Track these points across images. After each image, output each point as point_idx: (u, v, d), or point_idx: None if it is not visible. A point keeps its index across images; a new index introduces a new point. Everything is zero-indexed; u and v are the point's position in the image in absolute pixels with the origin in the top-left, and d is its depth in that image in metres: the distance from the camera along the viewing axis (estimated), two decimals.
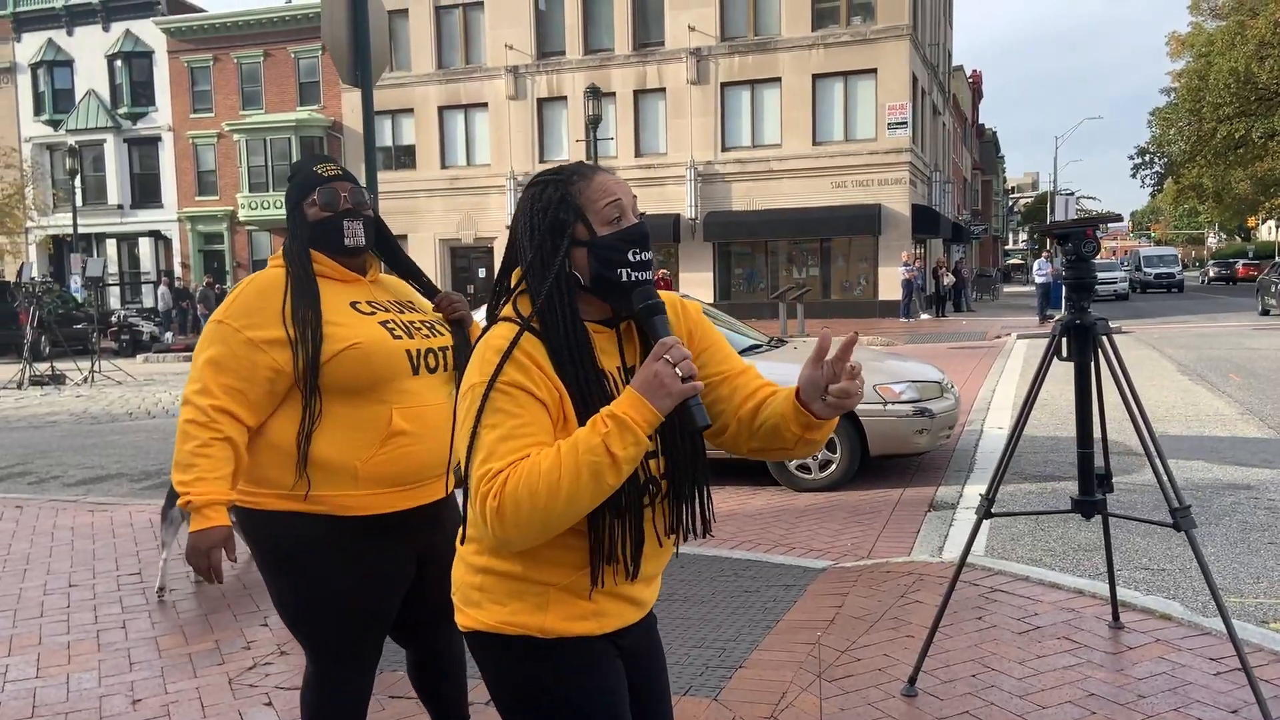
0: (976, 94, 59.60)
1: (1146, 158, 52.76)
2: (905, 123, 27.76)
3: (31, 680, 3.86)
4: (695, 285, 29.37)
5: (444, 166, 32.04)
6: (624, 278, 1.65)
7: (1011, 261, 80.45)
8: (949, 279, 29.27)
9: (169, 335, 26.23)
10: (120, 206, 35.88)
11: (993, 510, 3.42)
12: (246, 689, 3.70)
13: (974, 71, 57.86)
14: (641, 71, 30.16)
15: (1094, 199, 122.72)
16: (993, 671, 3.54)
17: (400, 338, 2.41)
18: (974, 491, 6.78)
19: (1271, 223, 70.54)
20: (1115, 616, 3.89)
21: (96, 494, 7.81)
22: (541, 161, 31.27)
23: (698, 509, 1.71)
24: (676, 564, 5.09)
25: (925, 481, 7.16)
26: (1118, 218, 3.57)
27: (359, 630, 2.42)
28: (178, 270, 35.20)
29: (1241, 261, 53.81)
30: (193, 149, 35.18)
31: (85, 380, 17.23)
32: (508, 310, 1.69)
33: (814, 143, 28.63)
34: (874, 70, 27.96)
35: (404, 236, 32.28)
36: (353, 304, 2.42)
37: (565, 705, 1.65)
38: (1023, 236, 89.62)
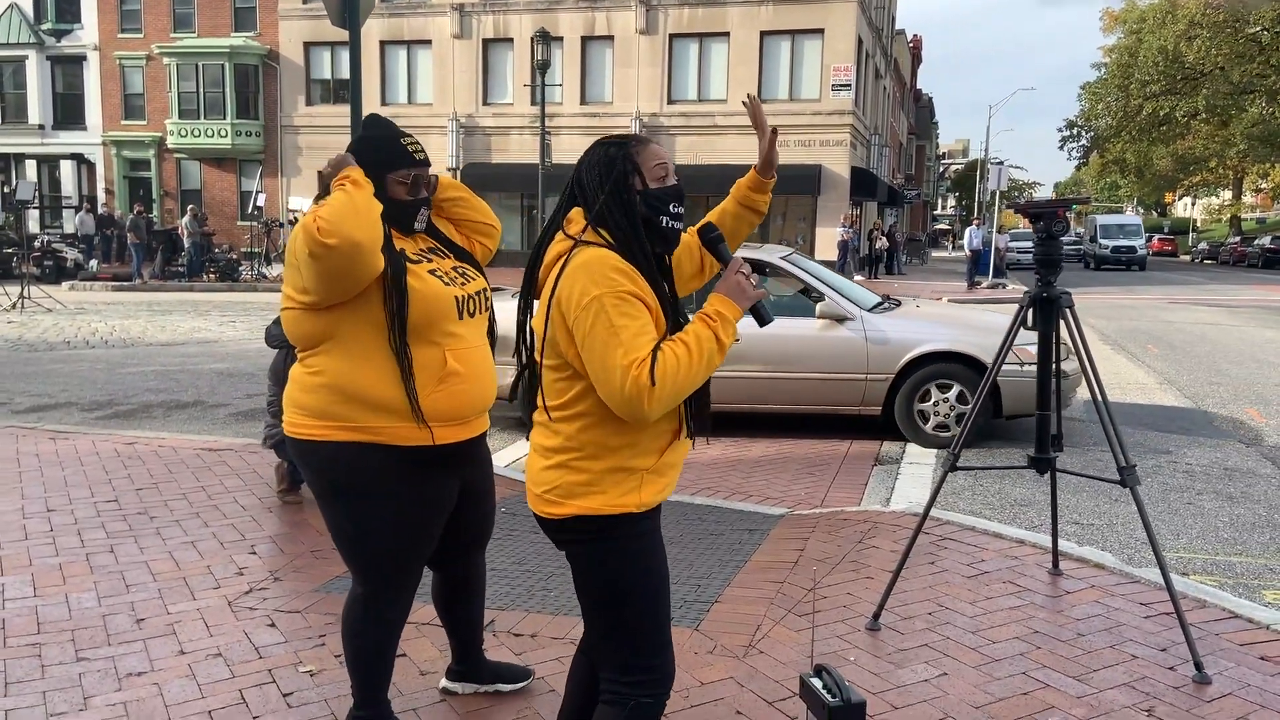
0: (916, 59, 60.28)
1: (1074, 130, 54.21)
2: (849, 85, 28.09)
3: (31, 599, 3.97)
4: None
5: (384, 103, 31.41)
6: (665, 224, 2.14)
7: (939, 227, 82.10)
8: (882, 242, 29.90)
9: (93, 263, 25.48)
10: (41, 127, 34.42)
11: (957, 465, 3.74)
12: (247, 611, 3.86)
13: (915, 36, 58.47)
14: (590, 18, 29.88)
15: (1021, 169, 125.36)
16: (947, 610, 3.89)
17: (449, 284, 2.61)
18: (916, 447, 7.18)
19: (1187, 199, 73.18)
20: (1055, 564, 4.28)
21: (49, 422, 7.77)
22: (485, 104, 30.90)
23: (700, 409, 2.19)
24: None
25: (869, 437, 7.54)
26: (1085, 200, 3.87)
27: (406, 553, 2.63)
28: (101, 196, 34.00)
29: (1157, 236, 55.80)
30: (119, 70, 33.82)
31: (14, 306, 16.75)
32: (591, 236, 2.08)
33: (759, 100, 28.79)
34: (821, 30, 28.17)
35: None
36: (401, 252, 2.61)
37: (646, 556, 2.13)
38: (951, 203, 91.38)
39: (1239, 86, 42.47)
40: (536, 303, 2.15)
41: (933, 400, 7.20)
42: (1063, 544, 4.61)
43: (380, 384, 2.52)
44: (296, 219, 28.31)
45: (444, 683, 3.21)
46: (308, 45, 32.12)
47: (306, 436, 2.58)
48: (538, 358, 2.14)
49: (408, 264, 2.57)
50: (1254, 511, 5.65)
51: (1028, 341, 7.22)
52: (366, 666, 2.74)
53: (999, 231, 33.80)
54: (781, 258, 7.82)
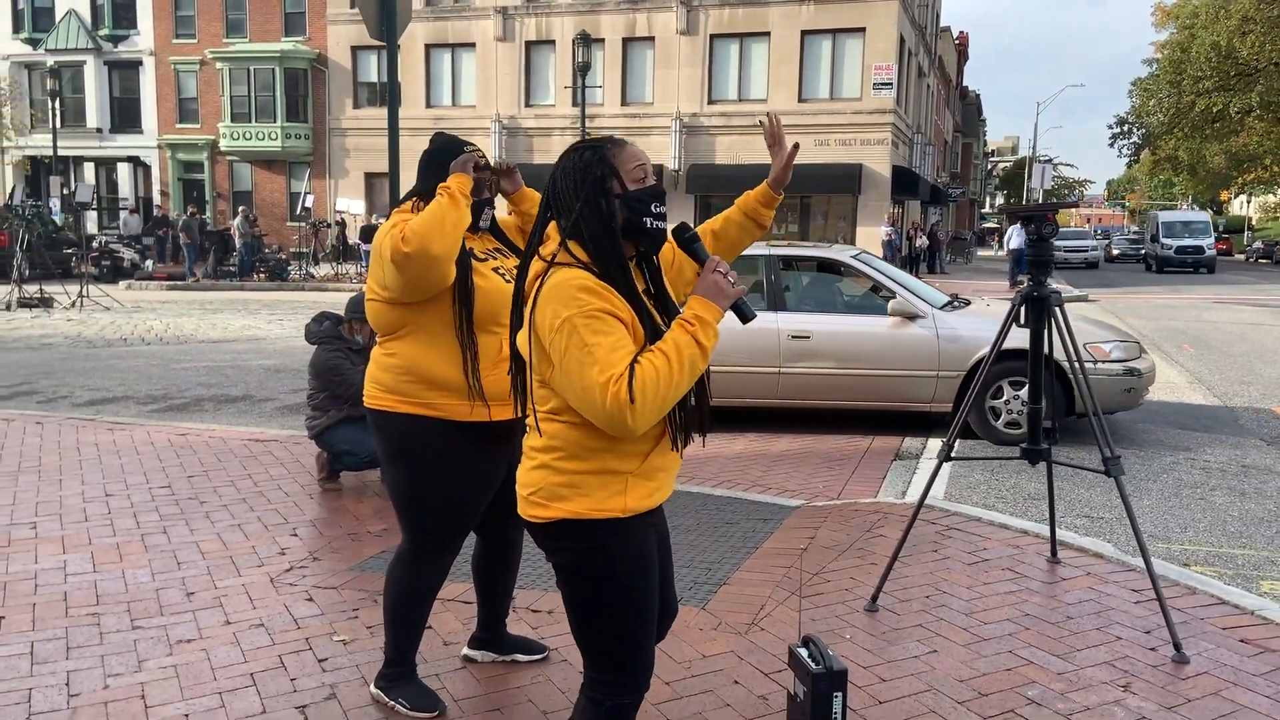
0: (962, 56, 59.73)
1: (1125, 127, 53.34)
2: (890, 83, 28.05)
3: (90, 574, 4.31)
4: None
5: (429, 105, 31.97)
6: (648, 225, 2.13)
7: (987, 225, 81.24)
8: (921, 240, 29.80)
9: (149, 263, 26.28)
10: (99, 130, 35.50)
11: (952, 455, 3.92)
12: (288, 587, 4.17)
13: (960, 33, 57.94)
14: (631, 19, 30.16)
15: (1072, 166, 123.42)
16: (944, 594, 4.08)
17: (509, 281, 2.98)
18: (937, 443, 7.33)
19: (1243, 197, 71.68)
20: (1054, 553, 4.44)
21: (106, 414, 8.19)
22: (528, 105, 31.31)
23: (697, 409, 2.18)
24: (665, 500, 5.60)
25: (892, 433, 7.70)
26: (1073, 204, 4.04)
27: (453, 516, 3.00)
28: (156, 198, 34.99)
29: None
30: (174, 75, 34.78)
31: (74, 305, 17.42)
32: (563, 256, 2.09)
33: (799, 99, 28.87)
34: (862, 29, 28.16)
35: (385, 175, 32.29)
36: (469, 251, 2.97)
37: (631, 569, 2.13)
38: (1000, 201, 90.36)
39: None
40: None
41: (1005, 397, 7.29)
42: (1064, 534, 4.77)
43: (443, 367, 2.89)
44: (343, 220, 28.98)
45: (466, 650, 3.48)
46: (355, 49, 32.77)
47: (379, 407, 2.98)
48: (528, 372, 2.15)
49: (474, 262, 2.94)
50: (1264, 507, 5.74)
51: (1102, 339, 7.33)
52: (403, 621, 3.07)
53: None
54: (853, 257, 8.01)
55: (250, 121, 33.39)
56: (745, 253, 8.28)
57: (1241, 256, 52.62)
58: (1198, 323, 16.56)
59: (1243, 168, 51.43)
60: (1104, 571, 4.31)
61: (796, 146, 2.60)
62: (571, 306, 1.97)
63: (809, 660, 2.94)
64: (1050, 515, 4.41)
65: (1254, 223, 71.57)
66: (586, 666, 2.23)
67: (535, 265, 2.12)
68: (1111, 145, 57.18)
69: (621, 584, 2.13)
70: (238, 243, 24.96)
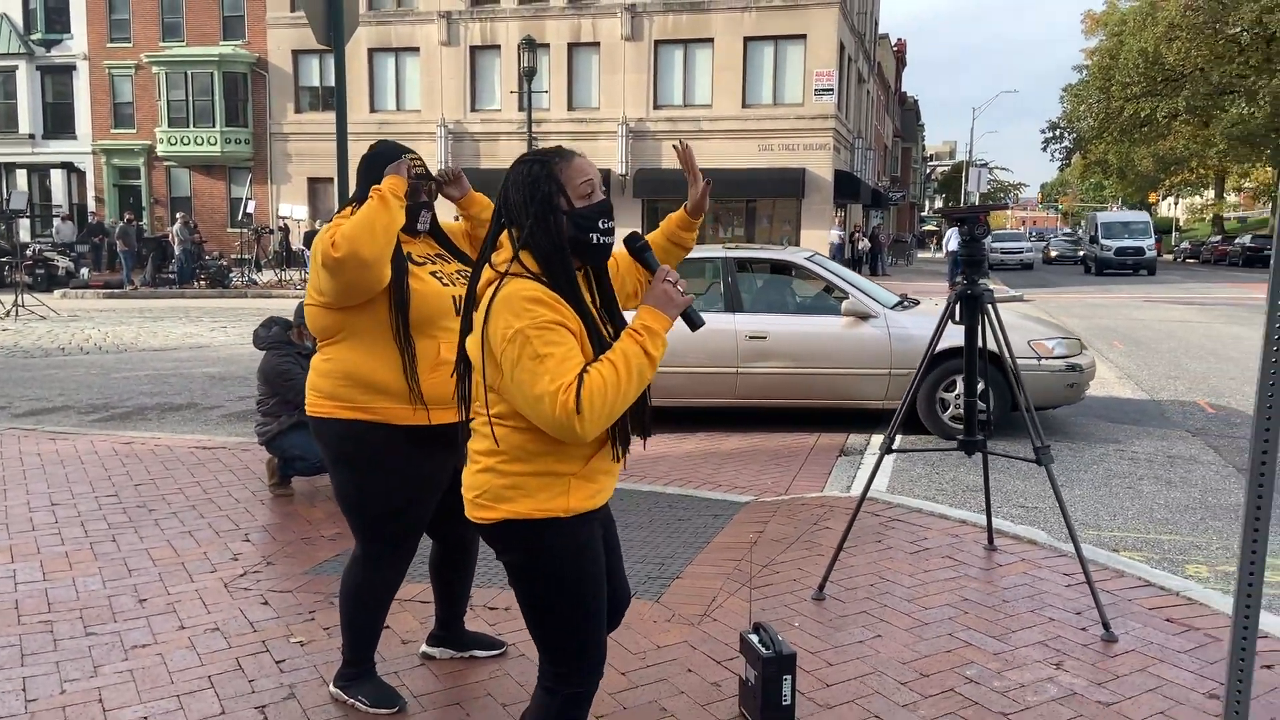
0: (900, 62, 60.81)
1: (1057, 132, 54.75)
2: (831, 89, 28.49)
3: (40, 582, 4.28)
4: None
5: (373, 110, 31.73)
6: (595, 241, 2.18)
7: (927, 228, 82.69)
8: (864, 243, 30.29)
9: (85, 271, 25.72)
10: (31, 136, 34.65)
11: (893, 448, 4.08)
12: (242, 591, 4.18)
13: (899, 40, 59.01)
14: (576, 24, 30.24)
15: (1007, 170, 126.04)
16: (887, 582, 4.23)
17: (448, 285, 3.02)
18: (880, 439, 7.52)
19: (1170, 199, 73.85)
20: (990, 540, 4.62)
21: (47, 424, 8.06)
22: (474, 110, 31.23)
23: (639, 415, 2.27)
24: (618, 497, 5.69)
25: (838, 430, 7.88)
26: (1004, 206, 4.22)
27: (401, 520, 3.02)
28: (91, 204, 34.22)
29: None
30: (109, 79, 34.08)
31: (9, 314, 17.01)
32: (515, 267, 2.14)
33: (743, 105, 29.19)
34: (804, 36, 28.57)
35: (330, 179, 31.99)
36: (408, 255, 3.02)
37: (578, 565, 2.19)
38: (939, 204, 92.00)
39: (1218, 87, 43.01)
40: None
41: (955, 392, 7.51)
42: (1000, 523, 4.96)
43: (381, 371, 2.92)
44: (286, 225, 28.63)
45: (424, 648, 3.54)
46: (296, 53, 32.41)
47: (320, 414, 3.00)
48: (477, 377, 2.17)
49: (412, 265, 2.98)
50: (1189, 495, 6.01)
51: (1045, 337, 7.60)
52: (359, 624, 3.09)
53: None
54: (806, 258, 8.20)
55: (188, 126, 32.84)
56: (703, 255, 8.46)
57: (1170, 257, 54.21)
58: (1128, 321, 17.10)
59: (1170, 170, 53.02)
60: (1037, 557, 4.50)
61: (709, 183, 2.73)
62: (524, 318, 2.00)
63: (759, 645, 3.06)
64: (986, 505, 4.58)
65: (1181, 224, 73.83)
66: (542, 659, 2.30)
67: (487, 273, 2.16)
68: (1044, 149, 58.73)
69: (569, 580, 2.19)
70: (177, 249, 24.54)
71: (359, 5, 6.29)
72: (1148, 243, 35.32)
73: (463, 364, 2.24)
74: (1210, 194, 65.42)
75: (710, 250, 8.49)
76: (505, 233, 2.20)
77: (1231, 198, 67.42)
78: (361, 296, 2.86)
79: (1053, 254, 48.95)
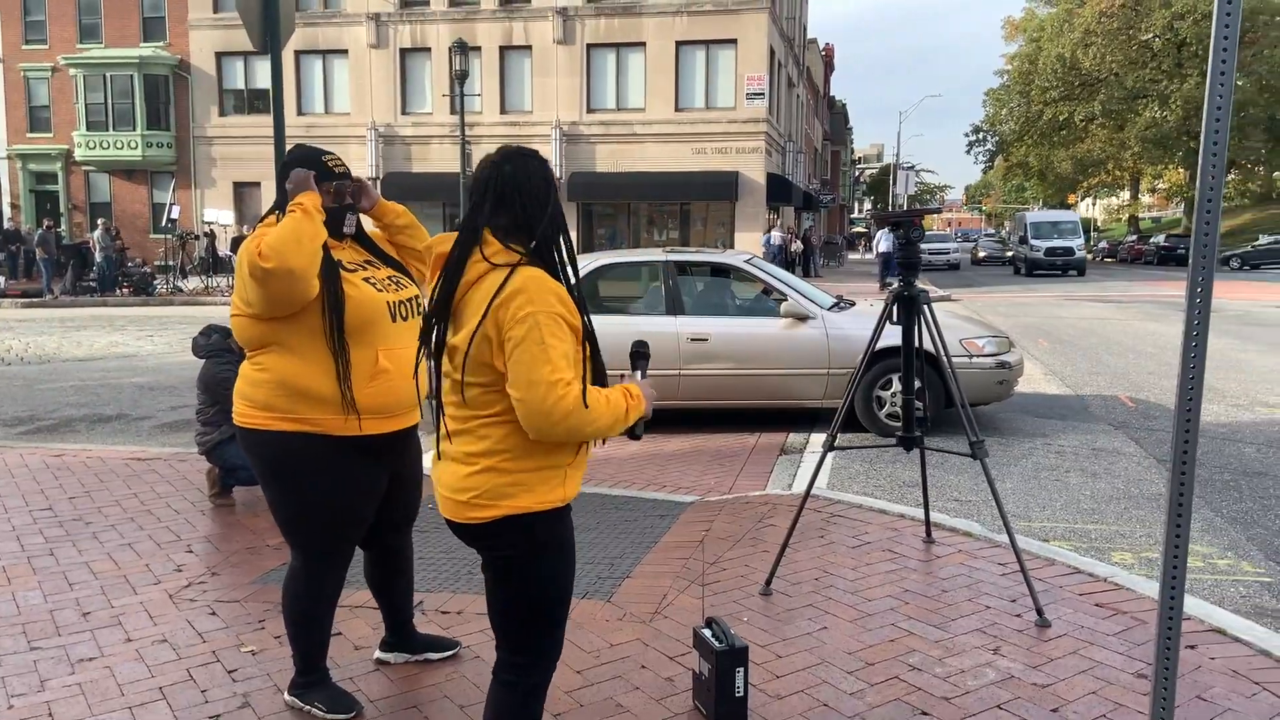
0: (829, 67, 61.75)
1: (980, 135, 56.12)
2: (762, 93, 28.85)
3: None
4: None
5: (300, 113, 31.21)
6: (563, 243, 2.31)
7: (857, 230, 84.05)
8: (796, 245, 30.72)
9: (1, 280, 24.87)
10: None
11: (835, 445, 4.20)
12: (188, 603, 4.14)
13: (827, 45, 59.92)
14: (508, 27, 30.15)
15: (933, 172, 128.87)
16: (831, 576, 4.36)
17: (381, 291, 2.97)
18: (819, 437, 7.69)
19: (1088, 200, 76.16)
20: (928, 533, 4.78)
21: None
22: (404, 113, 30.94)
23: None
24: None
25: (778, 429, 8.02)
26: (937, 210, 4.38)
27: (337, 531, 2.99)
28: (6, 211, 33.08)
29: None
30: (24, 82, 32.98)
31: None
32: (523, 258, 2.20)
33: (676, 108, 29.39)
34: (734, 41, 28.88)
35: (257, 184, 31.39)
36: (339, 263, 2.97)
37: (570, 550, 2.34)
38: (867, 206, 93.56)
39: (1132, 91, 44.54)
40: (452, 324, 2.23)
41: (891, 390, 7.68)
42: (938, 516, 5.12)
43: (317, 380, 2.87)
44: (212, 231, 28.01)
45: (378, 654, 3.55)
46: (220, 55, 31.76)
47: (252, 425, 2.93)
48: (457, 375, 2.20)
49: (344, 272, 2.93)
50: (1113, 485, 6.26)
51: (976, 335, 7.83)
52: (304, 635, 3.08)
53: None
54: (745, 261, 8.34)
55: (108, 130, 31.96)
56: (644, 259, 8.58)
57: (1089, 256, 55.86)
58: (1051, 319, 17.65)
59: (1088, 172, 54.69)
60: (973, 548, 4.67)
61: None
62: (539, 304, 2.10)
63: (712, 639, 3.15)
64: (924, 499, 4.74)
65: (1099, 224, 76.20)
66: (504, 652, 2.34)
67: (480, 266, 2.20)
68: (968, 152, 60.17)
69: (555, 569, 2.29)
70: (98, 256, 23.86)
71: (294, 10, 6.24)
72: (1077, 243, 34.93)
73: (439, 360, 2.27)
74: (1126, 195, 67.65)
75: (651, 254, 8.60)
76: (487, 228, 2.23)
77: (1146, 198, 69.77)
78: (290, 308, 2.80)
79: (980, 255, 48.25)
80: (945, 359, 4.04)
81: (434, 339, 2.27)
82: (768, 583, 4.17)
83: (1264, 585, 4.54)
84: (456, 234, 2.29)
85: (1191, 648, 3.58)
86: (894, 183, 36.48)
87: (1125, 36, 43.35)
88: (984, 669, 3.44)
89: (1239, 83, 42.88)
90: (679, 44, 29.17)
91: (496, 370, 2.15)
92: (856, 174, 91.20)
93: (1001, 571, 4.36)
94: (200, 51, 31.85)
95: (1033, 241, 35.49)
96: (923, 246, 36.17)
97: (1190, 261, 2.56)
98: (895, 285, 4.23)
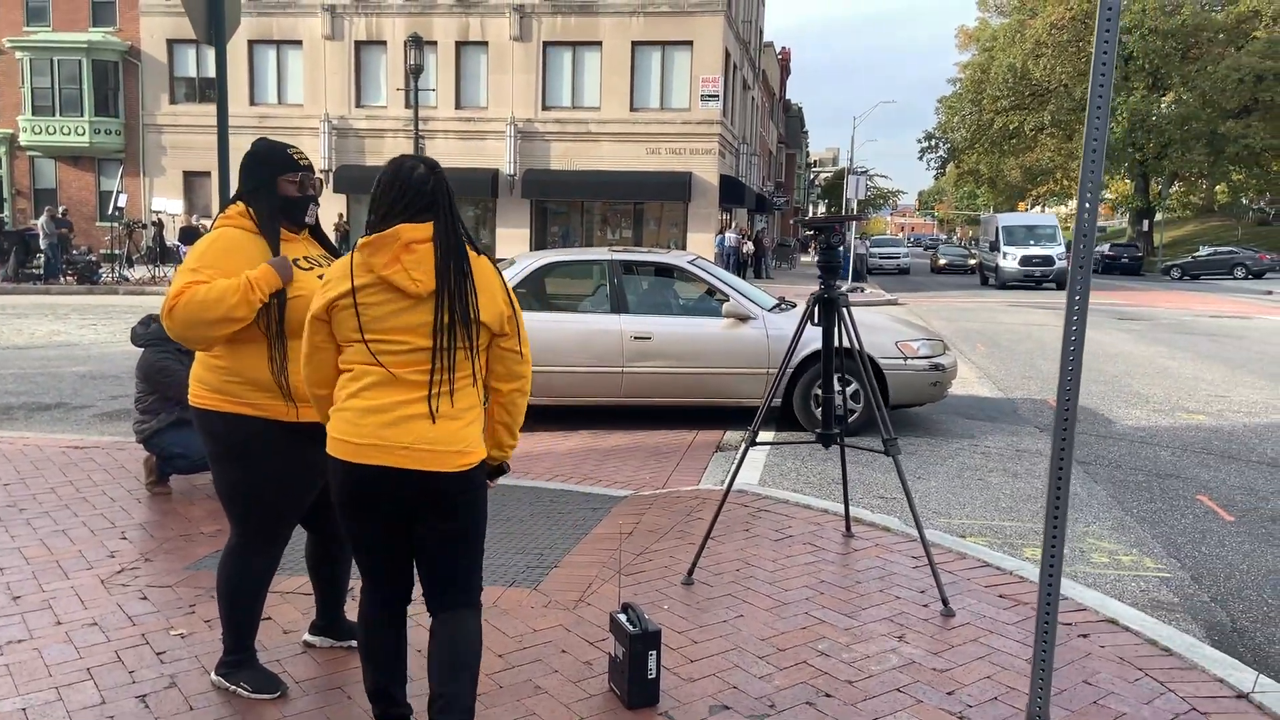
0: (785, 71, 62.28)
1: (932, 142, 56.95)
2: (717, 95, 29.11)
3: None
4: (512, 241, 29.85)
5: (253, 103, 30.89)
6: None
7: (810, 233, 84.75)
8: (748, 247, 31.03)
9: None
10: None
11: (756, 441, 4.36)
12: (120, 588, 4.19)
13: (783, 49, 60.44)
14: (464, 23, 30.09)
15: (886, 177, 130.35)
16: (752, 567, 4.52)
17: None
18: (762, 436, 7.86)
19: (1038, 208, 77.61)
20: (848, 528, 4.96)
21: None
22: (359, 106, 30.75)
23: None
24: (499, 492, 5.85)
25: (715, 427, 8.19)
26: (858, 218, 4.56)
27: (277, 510, 3.12)
28: None
29: None
30: None
31: None
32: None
33: (631, 108, 29.55)
34: (690, 42, 29.11)
35: (206, 174, 31.01)
36: (294, 260, 3.11)
37: None
38: (822, 209, 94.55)
39: (1080, 103, 45.46)
40: (469, 304, 2.59)
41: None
42: (859, 512, 5.32)
43: (263, 369, 3.03)
44: (160, 220, 27.63)
45: (306, 636, 3.65)
46: (171, 42, 31.31)
47: (205, 406, 3.09)
48: (465, 345, 2.58)
49: (299, 271, 3.08)
50: (1032, 485, 6.52)
51: (911, 338, 8.05)
52: (238, 612, 3.18)
53: (861, 238, 35.43)
54: (689, 262, 8.51)
55: (54, 115, 31.37)
56: (589, 258, 8.73)
57: None
58: (992, 324, 18.07)
59: (1037, 181, 55.74)
60: (890, 542, 4.86)
61: None
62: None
63: (627, 624, 3.29)
64: (844, 494, 4.92)
65: None
66: (463, 593, 2.70)
67: (471, 254, 2.66)
68: (921, 158, 61.03)
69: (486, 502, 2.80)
70: (43, 243, 23.44)
71: (240, 2, 6.27)
72: (1057, 250, 30.05)
73: (446, 338, 2.58)
74: (1073, 203, 69.01)
75: (596, 253, 8.74)
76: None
77: None
78: (214, 342, 3.00)
79: (942, 262, 44.67)
80: (860, 358, 4.21)
81: (445, 318, 2.57)
82: (690, 573, 4.33)
83: (1163, 580, 4.79)
84: (423, 225, 2.60)
85: (1085, 636, 3.79)
86: (847, 187, 36.99)
87: (1075, 49, 44.28)
88: (888, 654, 3.62)
89: (1183, 97, 44.05)
90: (635, 44, 29.34)
91: (489, 336, 2.67)
92: (811, 177, 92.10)
93: (913, 564, 4.55)
94: (151, 38, 31.38)
95: (1005, 249, 30.77)
96: (874, 250, 36.35)
97: (1069, 279, 2.75)
98: (820, 290, 4.40)
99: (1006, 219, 33.16)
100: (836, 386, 7.77)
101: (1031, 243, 30.51)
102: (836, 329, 4.38)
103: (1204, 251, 42.45)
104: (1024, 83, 46.79)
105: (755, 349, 7.92)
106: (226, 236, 3.07)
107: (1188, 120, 43.50)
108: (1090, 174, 2.75)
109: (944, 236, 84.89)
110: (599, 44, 29.55)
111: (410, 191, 2.58)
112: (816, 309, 4.38)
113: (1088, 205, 2.75)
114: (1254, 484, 6.57)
